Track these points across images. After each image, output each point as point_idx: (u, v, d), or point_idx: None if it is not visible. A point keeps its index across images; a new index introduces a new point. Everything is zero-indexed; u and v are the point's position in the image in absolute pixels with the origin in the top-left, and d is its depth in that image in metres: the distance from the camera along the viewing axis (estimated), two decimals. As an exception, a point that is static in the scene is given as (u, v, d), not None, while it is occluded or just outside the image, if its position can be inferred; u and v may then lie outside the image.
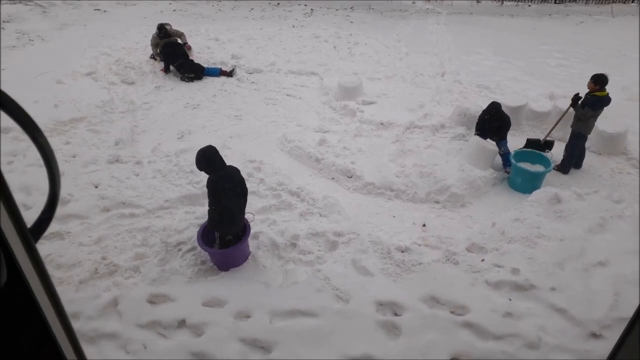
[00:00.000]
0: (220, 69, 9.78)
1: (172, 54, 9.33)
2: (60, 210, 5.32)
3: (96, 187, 5.86)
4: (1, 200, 0.51)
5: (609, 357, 1.06)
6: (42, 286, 0.65)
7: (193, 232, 5.07)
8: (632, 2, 17.34)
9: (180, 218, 5.42)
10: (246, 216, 4.80)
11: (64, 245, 4.89)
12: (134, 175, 6.17)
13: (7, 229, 0.51)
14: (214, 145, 4.59)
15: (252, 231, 5.10)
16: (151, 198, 5.68)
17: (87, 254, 4.80)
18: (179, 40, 9.70)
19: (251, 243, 5.03)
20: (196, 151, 4.43)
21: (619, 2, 17.38)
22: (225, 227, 4.58)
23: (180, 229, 5.18)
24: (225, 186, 4.41)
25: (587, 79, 6.21)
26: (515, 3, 17.53)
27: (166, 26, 9.65)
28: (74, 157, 6.47)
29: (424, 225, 5.64)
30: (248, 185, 5.84)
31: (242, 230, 4.74)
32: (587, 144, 6.82)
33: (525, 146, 6.72)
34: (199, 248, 4.79)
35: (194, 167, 6.11)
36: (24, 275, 0.61)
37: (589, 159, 6.87)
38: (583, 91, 6.31)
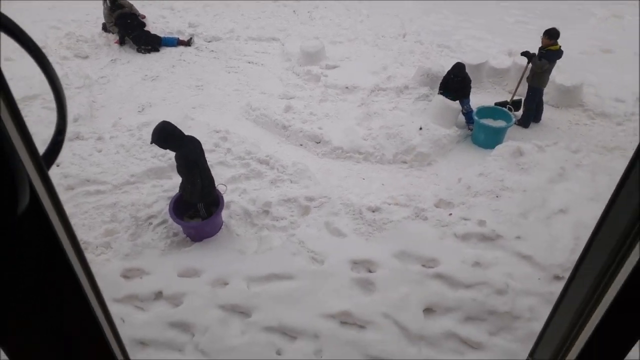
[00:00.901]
0: (178, 38, 9.46)
1: (127, 25, 8.94)
2: (21, 192, 5.13)
3: (57, 165, 5.66)
4: (15, 126, 0.51)
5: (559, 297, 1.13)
6: (56, 214, 0.66)
7: (162, 205, 5.01)
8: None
9: (148, 192, 5.33)
10: (219, 187, 4.77)
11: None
12: (97, 151, 5.99)
13: (23, 155, 0.51)
14: (173, 118, 4.54)
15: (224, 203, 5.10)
16: (116, 174, 5.55)
17: (55, 233, 4.69)
18: (133, 11, 9.28)
19: (223, 213, 5.01)
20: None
21: (572, -43, 17.61)
22: (209, 196, 4.57)
23: (149, 203, 5.11)
24: (198, 152, 4.39)
25: (542, 35, 6.37)
26: (472, -39, 17.51)
27: None
28: (32, 135, 6.21)
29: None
30: (215, 155, 5.84)
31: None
32: (545, 98, 7.03)
33: None
34: (170, 220, 4.76)
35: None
36: (42, 202, 0.62)
37: (547, 112, 7.09)
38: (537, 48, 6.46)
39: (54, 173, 5.47)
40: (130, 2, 9.43)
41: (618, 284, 0.79)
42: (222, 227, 4.91)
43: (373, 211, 5.01)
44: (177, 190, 4.76)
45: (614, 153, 6.16)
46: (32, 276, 0.67)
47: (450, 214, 4.96)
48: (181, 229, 4.80)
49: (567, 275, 4.37)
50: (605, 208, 0.86)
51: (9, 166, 0.50)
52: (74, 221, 4.85)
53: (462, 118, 6.82)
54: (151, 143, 4.37)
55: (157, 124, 4.40)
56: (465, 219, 4.85)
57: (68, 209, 5.04)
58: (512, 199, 5.07)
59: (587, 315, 0.87)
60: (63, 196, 5.21)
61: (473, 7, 11.79)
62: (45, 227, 0.63)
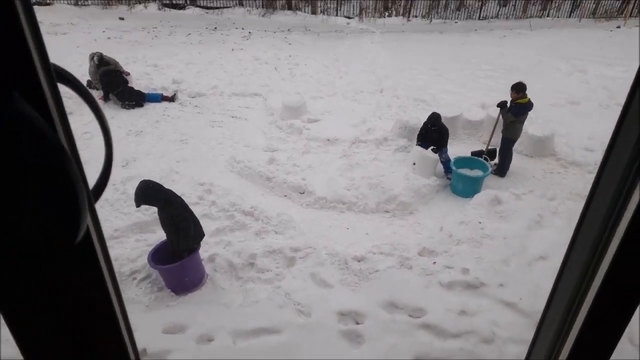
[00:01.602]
0: (162, 94, 9.67)
1: (112, 82, 9.13)
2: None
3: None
4: (73, 158, 0.57)
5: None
6: (100, 250, 0.71)
7: (146, 260, 4.95)
8: (547, 16, 18.86)
9: (132, 246, 5.29)
10: None
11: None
12: (79, 206, 5.95)
13: (79, 189, 0.56)
14: (157, 172, 4.64)
15: (207, 254, 5.08)
16: (99, 228, 5.50)
17: (35, 291, 4.57)
18: (118, 68, 9.51)
19: (208, 266, 4.99)
20: (142, 179, 4.41)
21: (535, 17, 18.85)
22: (202, 235, 4.69)
23: (133, 258, 5.05)
24: (181, 203, 4.47)
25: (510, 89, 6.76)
26: (443, 20, 18.58)
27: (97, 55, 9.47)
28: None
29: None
30: (199, 208, 5.86)
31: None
32: (519, 148, 7.35)
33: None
34: (154, 274, 4.70)
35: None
36: (91, 234, 0.67)
37: (522, 161, 7.39)
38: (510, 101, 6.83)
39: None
40: (116, 59, 9.67)
41: (599, 279, 0.86)
42: (207, 280, 4.86)
43: (359, 261, 5.05)
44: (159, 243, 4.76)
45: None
46: (74, 308, 0.71)
47: (434, 263, 5.02)
48: (164, 283, 4.74)
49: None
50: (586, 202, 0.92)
51: (76, 193, 0.55)
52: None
53: (440, 168, 7.04)
54: (137, 206, 4.42)
55: (138, 183, 4.46)
56: (449, 267, 4.92)
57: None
58: (493, 246, 5.18)
59: (575, 311, 0.93)
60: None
61: (445, 63, 12.43)
62: (92, 258, 0.69)
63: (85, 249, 0.66)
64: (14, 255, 0.57)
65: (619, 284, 0.86)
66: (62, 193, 0.52)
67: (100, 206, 5.89)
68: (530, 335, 3.90)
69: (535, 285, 4.70)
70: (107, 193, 6.17)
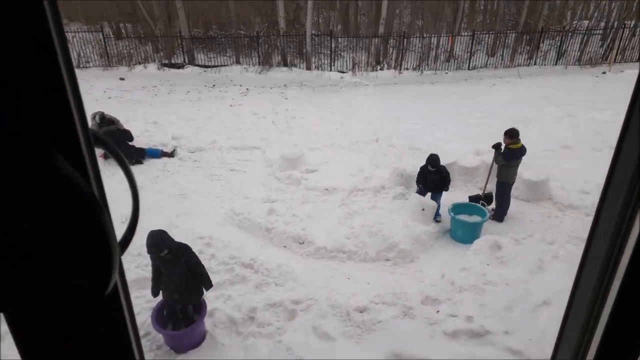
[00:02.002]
0: (162, 150, 9.83)
1: (113, 141, 9.30)
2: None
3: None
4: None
5: None
6: (125, 302, 0.73)
7: (146, 317, 4.88)
8: (534, 64, 19.52)
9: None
10: None
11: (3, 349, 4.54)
12: (78, 264, 5.92)
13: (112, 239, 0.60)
14: (157, 226, 4.67)
15: (207, 309, 5.01)
16: (98, 286, 5.45)
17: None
18: (118, 127, 9.70)
19: (207, 321, 4.91)
20: (146, 233, 4.41)
21: (523, 65, 19.50)
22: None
23: (132, 315, 4.97)
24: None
25: (503, 135, 6.91)
26: (434, 71, 19.18)
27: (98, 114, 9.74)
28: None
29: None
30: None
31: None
32: (516, 193, 7.42)
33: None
34: (153, 332, 4.62)
35: (142, 250, 6.00)
36: (118, 286, 0.69)
37: (519, 206, 7.44)
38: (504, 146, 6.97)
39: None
40: (117, 118, 9.89)
41: (618, 279, 0.87)
42: (207, 336, 4.77)
43: (361, 312, 4.99)
44: (158, 301, 4.71)
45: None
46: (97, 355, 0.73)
47: (438, 311, 4.96)
48: (164, 341, 4.65)
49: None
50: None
51: (109, 247, 0.59)
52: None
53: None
54: (152, 254, 4.42)
55: (150, 232, 4.48)
56: (452, 316, 4.86)
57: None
58: (496, 292, 5.13)
59: (599, 309, 0.92)
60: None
61: (438, 112, 12.73)
62: (117, 308, 0.71)
63: (112, 300, 0.69)
64: (49, 303, 0.60)
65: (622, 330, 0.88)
66: (97, 246, 0.57)
67: (100, 263, 5.86)
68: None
69: (541, 331, 4.63)
70: (107, 250, 6.15)
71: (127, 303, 0.73)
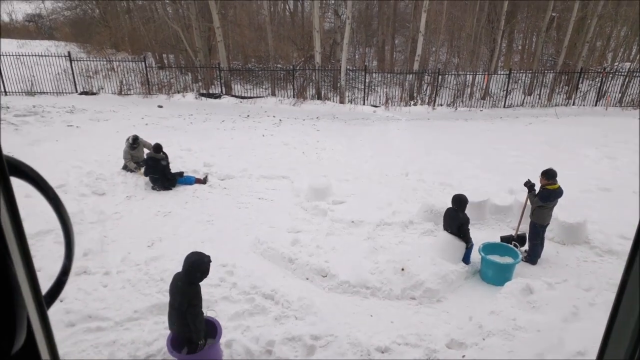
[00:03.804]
0: (195, 177, 9.98)
1: (152, 168, 9.48)
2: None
3: (61, 301, 5.61)
4: (24, 266, 0.55)
5: None
6: (49, 355, 0.67)
7: (163, 344, 4.82)
8: (573, 104, 19.11)
9: (149, 329, 5.18)
10: (209, 313, 4.68)
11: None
12: (102, 286, 5.96)
13: (26, 293, 0.55)
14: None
15: (224, 339, 4.91)
16: (119, 309, 5.46)
17: (47, 373, 4.46)
18: (162, 157, 9.80)
19: (225, 352, 4.81)
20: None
21: (561, 105, 19.12)
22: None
23: (150, 341, 4.93)
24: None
25: (540, 175, 6.67)
26: (468, 108, 19.03)
27: (132, 136, 10.00)
28: (38, 271, 6.19)
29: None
30: (220, 290, 5.79)
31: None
32: (550, 235, 7.11)
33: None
34: (170, 358, 4.54)
35: (164, 275, 6.04)
36: (37, 343, 0.63)
37: (554, 249, 7.12)
38: (538, 185, 6.72)
39: (56, 309, 5.39)
40: (150, 143, 10.13)
41: None
42: (223, 367, 4.66)
43: (382, 352, 4.79)
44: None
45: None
46: None
47: (464, 356, 4.71)
48: (180, 369, 4.56)
49: None
50: None
51: (12, 307, 0.52)
52: (69, 360, 4.66)
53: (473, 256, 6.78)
54: (200, 280, 4.38)
55: (195, 255, 4.44)
56: (479, 361, 4.59)
57: (65, 347, 4.87)
58: (526, 339, 4.84)
59: None
60: (62, 333, 5.07)
61: (471, 149, 12.53)
62: None
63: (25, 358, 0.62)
64: None
65: None
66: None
67: (122, 287, 5.90)
68: None
69: (576, 384, 4.32)
70: (130, 273, 6.20)
71: (52, 356, 0.66)
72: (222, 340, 4.89)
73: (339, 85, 19.70)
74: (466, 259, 6.66)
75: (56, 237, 7.27)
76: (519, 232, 7.08)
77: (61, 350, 4.80)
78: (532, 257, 6.85)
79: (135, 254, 6.87)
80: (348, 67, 20.18)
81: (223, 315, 5.32)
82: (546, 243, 6.91)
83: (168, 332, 4.96)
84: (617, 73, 19.83)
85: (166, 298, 5.59)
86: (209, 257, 4.45)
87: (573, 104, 19.27)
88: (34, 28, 37.22)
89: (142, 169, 9.67)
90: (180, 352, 4.47)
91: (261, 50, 24.03)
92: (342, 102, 19.42)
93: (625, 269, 0.90)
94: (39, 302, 0.64)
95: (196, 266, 4.34)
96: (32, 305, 0.62)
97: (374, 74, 21.22)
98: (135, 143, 9.95)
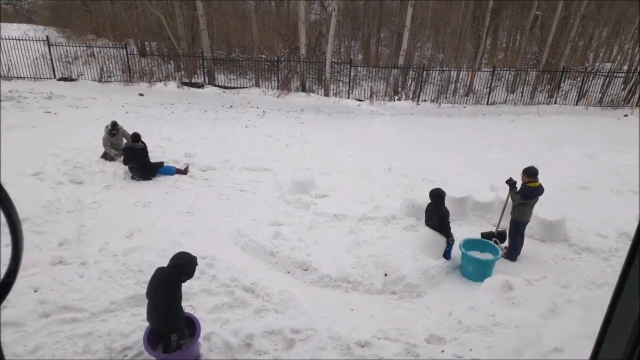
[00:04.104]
0: (175, 168, 9.81)
1: (130, 157, 9.28)
2: (-9, 318, 4.87)
3: (35, 291, 5.46)
4: None
5: None
6: None
7: (140, 336, 4.72)
8: (555, 103, 19.36)
9: (126, 321, 5.07)
10: (186, 309, 4.59)
11: (-7, 358, 4.42)
12: (78, 277, 5.82)
13: None
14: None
15: (203, 332, 4.84)
16: (96, 300, 5.33)
17: (20, 366, 4.35)
18: (141, 147, 9.60)
19: (203, 345, 4.74)
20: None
21: (543, 103, 19.35)
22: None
23: (126, 333, 4.83)
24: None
25: (521, 172, 6.72)
26: (452, 105, 19.13)
27: (111, 122, 9.82)
28: (11, 259, 6.06)
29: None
30: (199, 282, 5.69)
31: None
32: (530, 232, 7.19)
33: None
34: (146, 353, 4.45)
35: (143, 267, 5.93)
36: None
37: (533, 246, 7.19)
38: (520, 183, 6.77)
39: (30, 299, 5.25)
40: (129, 133, 9.91)
41: None
42: (201, 361, 4.59)
43: (362, 346, 4.77)
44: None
45: (604, 289, 6.12)
46: None
47: (443, 351, 4.72)
48: (156, 362, 4.48)
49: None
50: None
51: None
52: (43, 352, 4.54)
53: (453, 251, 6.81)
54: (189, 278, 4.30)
55: (181, 254, 4.33)
56: (458, 357, 4.61)
57: (39, 338, 4.75)
58: (505, 335, 4.88)
59: None
60: (36, 324, 4.93)
61: (454, 145, 12.60)
62: None
63: None
64: None
65: None
66: None
67: (99, 277, 5.78)
68: None
69: (552, 380, 4.37)
70: (108, 264, 6.07)
71: None
72: (201, 333, 4.81)
73: (323, 78, 19.61)
74: (447, 255, 6.69)
75: (32, 225, 7.09)
76: (499, 229, 7.14)
77: (35, 341, 4.68)
78: (512, 253, 6.91)
79: (113, 244, 6.73)
80: (333, 59, 20.08)
81: (202, 308, 5.25)
82: (526, 240, 6.98)
83: (145, 324, 4.86)
84: (598, 73, 20.14)
85: (143, 289, 5.49)
86: (196, 259, 4.35)
87: (555, 103, 19.52)
88: (12, 10, 36.19)
89: (121, 158, 9.48)
90: (155, 349, 4.38)
91: (245, 40, 23.76)
92: (326, 95, 19.35)
93: (623, 269, 0.87)
94: None
95: (183, 268, 4.24)
96: None
97: (359, 67, 21.17)
98: (114, 129, 9.74)
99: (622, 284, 0.89)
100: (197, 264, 4.35)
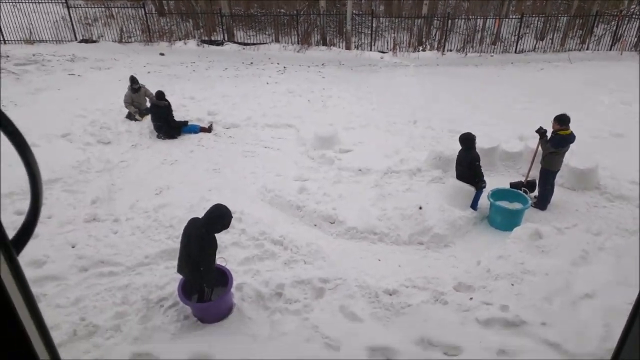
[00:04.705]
0: (200, 126, 9.87)
1: (155, 115, 9.38)
2: (35, 272, 5.11)
3: (73, 247, 5.68)
4: None
5: None
6: (24, 302, 0.62)
7: (174, 287, 4.89)
8: (587, 49, 18.50)
9: (160, 274, 5.25)
10: (219, 260, 4.70)
11: (40, 308, 4.65)
12: (112, 233, 6.01)
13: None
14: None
15: (235, 282, 4.98)
16: (130, 255, 5.52)
17: (65, 315, 4.57)
18: (165, 104, 9.64)
19: (235, 295, 4.89)
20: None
21: (574, 50, 18.51)
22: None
23: (161, 285, 5.01)
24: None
25: (552, 120, 6.50)
26: (478, 54, 18.47)
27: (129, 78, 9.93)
28: (49, 218, 6.29)
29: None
30: (229, 236, 5.81)
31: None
32: (561, 181, 7.03)
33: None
34: (181, 303, 4.62)
35: (173, 222, 6.07)
36: (6, 288, 0.58)
37: (564, 195, 7.06)
38: (550, 131, 6.57)
39: (69, 255, 5.47)
40: (152, 93, 9.93)
41: None
42: (234, 309, 4.75)
43: (390, 294, 4.84)
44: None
45: (637, 236, 6.00)
46: None
47: (471, 298, 4.75)
48: (191, 311, 4.66)
49: (600, 365, 4.08)
50: None
51: None
52: (85, 303, 4.76)
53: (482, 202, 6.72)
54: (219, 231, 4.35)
55: (218, 207, 4.35)
56: (487, 304, 4.64)
57: (80, 291, 4.97)
58: (534, 282, 4.87)
59: None
60: (76, 278, 5.16)
61: (481, 96, 12.25)
62: (9, 315, 0.59)
63: None
64: None
65: None
66: None
67: (131, 233, 5.95)
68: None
69: (582, 325, 4.36)
70: (139, 220, 6.23)
71: (27, 302, 0.60)
72: (234, 284, 4.95)
73: (344, 30, 19.07)
74: (474, 205, 6.62)
75: (64, 185, 7.29)
76: (528, 179, 7.00)
77: (76, 293, 4.91)
78: (542, 202, 6.80)
79: (143, 201, 6.89)
80: (354, 11, 19.46)
81: (233, 260, 5.38)
82: (556, 189, 6.85)
83: (179, 276, 5.03)
84: (633, 16, 19.03)
85: (176, 244, 5.65)
86: (231, 212, 4.39)
87: (587, 49, 18.64)
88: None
89: (139, 115, 9.65)
90: (190, 299, 4.54)
91: (264, -5, 23.16)
92: (348, 48, 18.88)
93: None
94: (6, 248, 0.58)
95: (221, 219, 4.29)
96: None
97: (381, 18, 20.49)
98: (135, 83, 9.82)
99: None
100: (232, 217, 4.40)
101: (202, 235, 4.27)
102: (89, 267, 5.32)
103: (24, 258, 4.99)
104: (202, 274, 4.36)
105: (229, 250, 5.61)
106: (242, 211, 6.37)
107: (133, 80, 9.90)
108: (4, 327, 0.61)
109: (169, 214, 6.36)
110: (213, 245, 4.36)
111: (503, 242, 5.68)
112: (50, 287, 5.00)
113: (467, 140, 6.47)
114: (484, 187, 6.54)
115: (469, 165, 6.45)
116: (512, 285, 4.87)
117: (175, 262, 5.37)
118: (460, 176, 6.60)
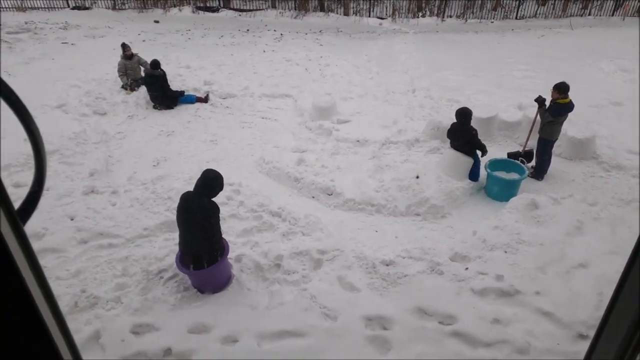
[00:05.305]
0: (196, 96, 9.77)
1: (151, 85, 9.27)
2: (35, 245, 5.15)
3: (72, 219, 5.71)
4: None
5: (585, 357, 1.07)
6: (31, 272, 0.63)
7: (173, 259, 4.95)
8: (589, 15, 18.17)
9: (160, 245, 5.31)
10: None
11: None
12: (111, 205, 6.03)
13: None
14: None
15: (234, 254, 5.04)
16: (129, 227, 5.56)
17: (66, 287, 4.64)
18: (160, 74, 9.53)
19: (234, 266, 4.95)
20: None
21: (576, 15, 18.18)
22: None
23: (161, 257, 5.06)
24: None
25: (552, 88, 6.44)
26: (479, 20, 18.14)
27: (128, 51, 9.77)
28: (47, 190, 6.30)
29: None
30: (227, 208, 5.84)
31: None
32: (558, 151, 7.02)
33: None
34: (181, 274, 4.69)
35: (171, 194, 6.08)
36: (14, 259, 0.59)
37: (561, 164, 7.06)
38: (549, 100, 6.52)
39: (68, 227, 5.50)
40: (146, 61, 9.79)
41: None
42: (233, 280, 4.82)
43: (387, 265, 4.91)
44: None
45: (633, 206, 6.04)
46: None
47: (467, 268, 4.83)
48: (191, 282, 4.73)
49: (592, 333, 4.18)
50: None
51: None
52: (85, 275, 4.82)
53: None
54: (214, 196, 4.42)
55: (209, 172, 4.44)
56: (482, 274, 4.72)
57: (80, 262, 5.02)
58: (529, 252, 4.94)
59: None
60: (76, 250, 5.21)
61: (480, 64, 12.10)
62: (16, 284, 0.60)
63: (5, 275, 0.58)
64: None
65: None
66: None
67: (130, 205, 5.97)
68: (569, 347, 3.65)
69: (575, 294, 4.45)
70: (137, 192, 6.24)
71: (35, 271, 0.61)
72: (232, 255, 5.02)
73: (342, -4, 18.69)
74: (474, 176, 6.63)
75: (61, 157, 7.26)
76: (526, 148, 7.00)
77: (76, 265, 4.96)
78: (539, 172, 6.82)
79: (141, 173, 6.89)
80: (352, -24, 19.00)
81: (232, 232, 5.43)
82: (553, 159, 6.85)
83: (177, 248, 5.08)
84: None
85: (173, 215, 5.67)
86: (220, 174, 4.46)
87: (589, 14, 18.32)
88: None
89: (129, 89, 9.56)
90: (188, 269, 4.59)
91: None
92: (346, 14, 18.52)
93: (625, 268, 0.83)
94: (12, 217, 0.58)
95: (217, 181, 4.39)
96: (5, 222, 0.56)
97: (379, -17, 20.01)
98: (125, 49, 9.68)
99: (622, 283, 0.85)
100: (223, 177, 4.46)
101: (205, 203, 4.30)
102: (88, 240, 5.37)
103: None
104: (213, 242, 4.41)
105: (228, 222, 5.65)
106: (240, 183, 6.39)
107: (124, 46, 9.75)
108: (5, 283, 0.62)
109: (167, 185, 6.37)
110: (217, 209, 4.42)
111: (499, 212, 5.73)
112: (50, 259, 5.05)
113: (464, 114, 6.43)
114: (486, 153, 6.55)
115: (468, 139, 6.43)
116: (507, 254, 4.94)
117: (174, 234, 5.42)
118: (456, 148, 6.60)
